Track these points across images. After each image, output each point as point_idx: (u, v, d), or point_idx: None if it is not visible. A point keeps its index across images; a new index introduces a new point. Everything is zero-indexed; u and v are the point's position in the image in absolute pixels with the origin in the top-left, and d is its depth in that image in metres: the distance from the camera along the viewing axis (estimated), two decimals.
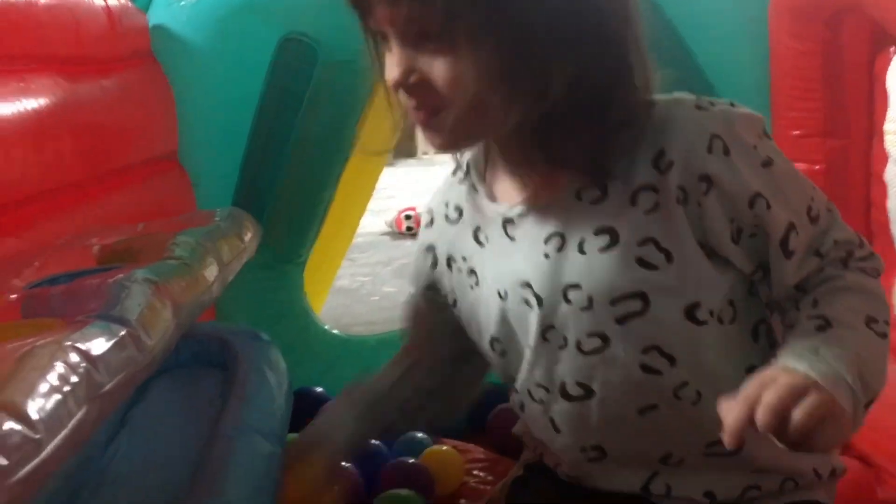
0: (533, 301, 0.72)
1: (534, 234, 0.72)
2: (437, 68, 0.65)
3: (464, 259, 0.80)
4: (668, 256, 0.68)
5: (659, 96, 0.70)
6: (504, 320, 0.76)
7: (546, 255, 0.71)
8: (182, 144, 1.46)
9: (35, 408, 0.45)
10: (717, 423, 0.61)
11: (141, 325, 0.62)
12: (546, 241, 0.72)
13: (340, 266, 2.06)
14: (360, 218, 1.93)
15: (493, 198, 0.77)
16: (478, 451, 1.38)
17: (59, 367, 0.49)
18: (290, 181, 1.48)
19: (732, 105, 0.71)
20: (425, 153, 5.62)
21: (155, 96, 1.41)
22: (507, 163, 0.75)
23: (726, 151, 0.68)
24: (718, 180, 0.67)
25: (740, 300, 0.72)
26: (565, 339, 0.72)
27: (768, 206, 0.68)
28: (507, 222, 0.74)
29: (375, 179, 1.90)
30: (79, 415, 0.49)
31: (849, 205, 1.23)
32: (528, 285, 0.72)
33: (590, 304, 0.70)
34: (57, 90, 1.09)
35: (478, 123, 0.69)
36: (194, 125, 1.45)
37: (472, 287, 0.79)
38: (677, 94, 0.71)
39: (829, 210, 0.72)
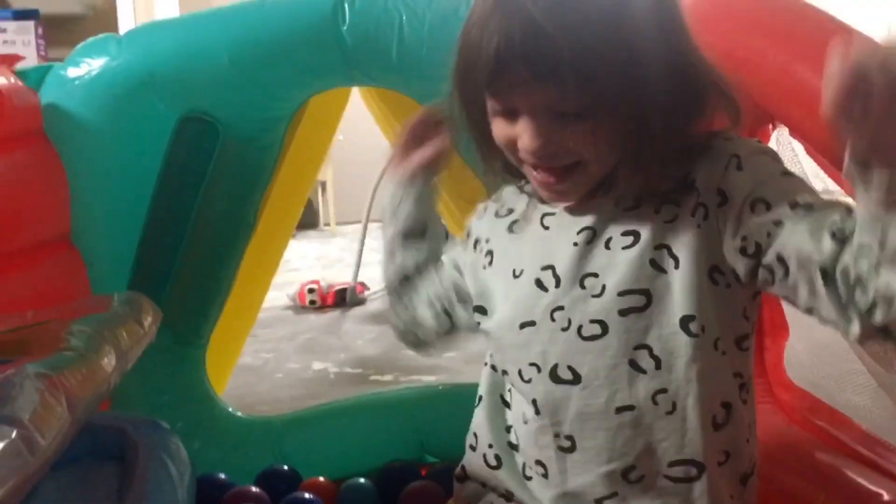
0: (550, 282, 0.82)
1: (568, 226, 0.83)
2: (576, 137, 0.75)
3: (487, 241, 0.91)
4: (677, 263, 0.78)
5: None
6: (507, 297, 0.85)
7: (575, 244, 0.82)
8: (75, 225, 1.40)
9: None
10: (681, 444, 0.76)
11: (34, 424, 0.58)
12: (579, 232, 0.82)
13: None
14: (264, 294, 1.89)
15: (542, 201, 0.87)
16: None
17: None
18: (191, 261, 1.44)
19: (759, 141, 0.85)
20: (327, 224, 5.60)
21: (45, 177, 1.36)
22: None
23: (739, 167, 0.77)
24: (730, 192, 0.77)
25: (732, 320, 0.80)
26: (569, 322, 0.80)
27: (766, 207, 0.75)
28: (546, 215, 0.86)
29: (280, 255, 1.87)
30: None
31: None
32: (551, 267, 0.82)
33: (601, 292, 0.79)
34: None
35: (599, 172, 0.79)
36: (88, 205, 1.40)
37: (484, 267, 0.90)
38: (716, 130, 0.81)
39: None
